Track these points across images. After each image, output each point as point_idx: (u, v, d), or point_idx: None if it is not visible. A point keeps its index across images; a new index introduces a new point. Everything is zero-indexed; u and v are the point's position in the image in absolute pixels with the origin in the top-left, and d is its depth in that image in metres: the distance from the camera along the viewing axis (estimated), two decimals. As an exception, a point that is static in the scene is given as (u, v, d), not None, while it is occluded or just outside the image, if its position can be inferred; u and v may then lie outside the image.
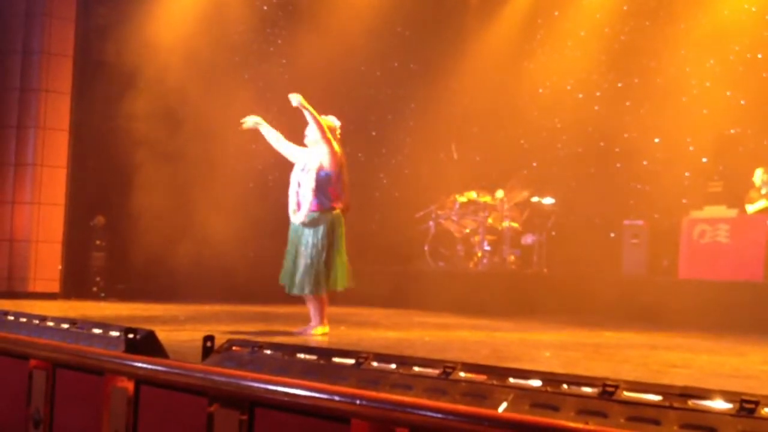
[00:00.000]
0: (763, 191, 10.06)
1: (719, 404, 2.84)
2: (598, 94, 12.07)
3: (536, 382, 3.25)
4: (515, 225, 11.80)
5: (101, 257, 11.48)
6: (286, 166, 7.15)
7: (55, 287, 11.00)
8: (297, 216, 6.87)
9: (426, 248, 12.07)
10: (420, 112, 12.99)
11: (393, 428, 3.25)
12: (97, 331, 5.08)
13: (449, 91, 12.63)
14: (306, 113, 6.76)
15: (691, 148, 11.16)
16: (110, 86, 11.14)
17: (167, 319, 7.95)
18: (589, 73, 11.96)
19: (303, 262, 6.76)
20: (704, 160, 11.11)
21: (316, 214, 6.79)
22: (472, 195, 12.13)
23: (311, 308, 6.92)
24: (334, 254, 6.78)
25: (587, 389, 3.12)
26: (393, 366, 3.71)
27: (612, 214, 11.46)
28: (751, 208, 10.03)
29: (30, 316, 5.87)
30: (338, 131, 7.02)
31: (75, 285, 11.21)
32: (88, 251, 11.45)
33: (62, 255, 11.14)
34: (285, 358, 4.14)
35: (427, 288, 11.11)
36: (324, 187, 6.82)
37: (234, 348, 4.43)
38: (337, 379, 3.71)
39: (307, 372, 3.88)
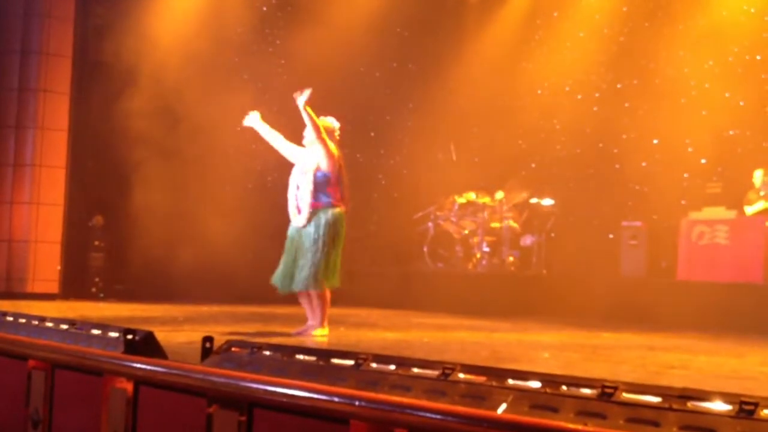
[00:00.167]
0: (762, 193, 10.06)
1: (718, 406, 2.84)
2: (596, 95, 12.07)
3: (535, 384, 3.25)
4: (514, 226, 11.80)
5: (100, 258, 11.48)
6: (285, 167, 7.15)
7: (53, 288, 10.99)
8: (298, 219, 6.87)
9: (425, 249, 12.07)
10: (419, 112, 12.99)
11: (392, 429, 3.25)
12: (96, 331, 5.08)
13: (448, 92, 12.64)
14: (303, 114, 6.76)
15: (689, 150, 11.17)
16: (109, 86, 11.15)
17: (166, 319, 7.95)
18: (587, 74, 11.96)
19: (305, 258, 6.73)
20: (703, 161, 11.12)
21: (316, 211, 6.79)
22: (471, 196, 12.13)
23: (308, 308, 6.91)
24: (334, 250, 6.76)
25: (586, 391, 3.12)
26: (392, 367, 3.71)
27: (610, 215, 11.46)
28: (749, 210, 10.03)
29: (29, 317, 5.87)
30: (337, 132, 7.02)
31: (74, 285, 11.21)
32: (86, 252, 11.45)
33: (61, 255, 11.14)
34: (284, 359, 4.14)
35: (426, 289, 11.11)
36: (322, 187, 6.82)
37: (233, 349, 4.43)
38: (336, 380, 3.71)
39: (306, 373, 3.88)
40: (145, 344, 4.70)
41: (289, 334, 6.67)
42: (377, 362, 3.79)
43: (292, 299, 7.12)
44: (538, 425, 2.89)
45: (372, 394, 3.40)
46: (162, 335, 5.04)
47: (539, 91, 12.50)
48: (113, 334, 4.86)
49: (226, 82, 11.45)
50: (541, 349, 6.50)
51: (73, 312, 8.15)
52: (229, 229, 10.88)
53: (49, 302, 10.08)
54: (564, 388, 3.17)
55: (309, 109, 6.75)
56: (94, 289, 11.33)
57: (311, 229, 6.77)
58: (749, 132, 10.87)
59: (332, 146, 6.85)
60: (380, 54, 12.85)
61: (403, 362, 3.72)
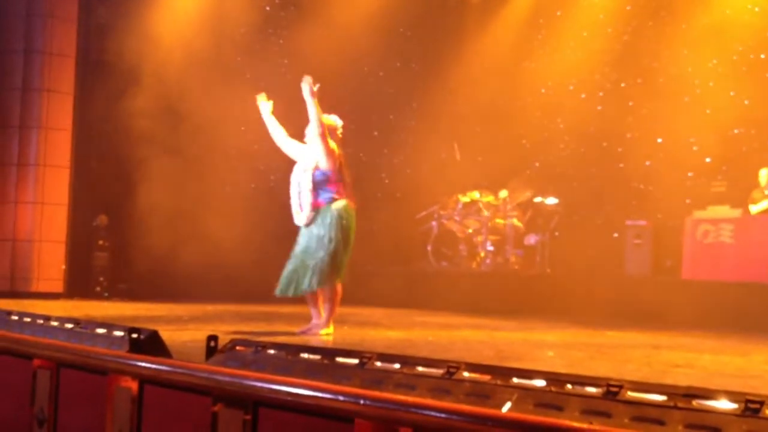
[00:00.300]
0: (767, 191, 10.04)
1: (724, 404, 2.84)
2: (600, 94, 12.06)
3: (540, 382, 3.25)
4: (518, 225, 11.79)
5: (104, 257, 11.50)
6: (289, 167, 7.15)
7: (58, 287, 11.01)
8: (299, 217, 6.86)
9: (429, 248, 12.07)
10: (422, 112, 12.99)
11: (396, 428, 3.25)
12: (100, 330, 5.09)
13: (451, 91, 12.63)
14: (309, 103, 6.70)
15: (694, 148, 11.15)
16: (112, 86, 11.16)
17: (171, 318, 7.95)
18: (591, 73, 11.95)
19: (315, 258, 6.69)
20: (707, 160, 11.10)
21: (318, 210, 6.78)
22: (475, 195, 12.12)
23: (314, 308, 6.90)
24: (344, 245, 6.73)
25: (591, 389, 3.12)
26: (396, 366, 3.71)
27: (615, 214, 11.46)
28: (754, 209, 10.01)
29: (34, 316, 5.88)
30: (339, 131, 7.00)
31: (78, 285, 11.22)
32: (91, 251, 11.46)
33: (65, 255, 11.16)
34: (288, 358, 4.14)
35: (430, 288, 11.11)
36: (322, 185, 6.78)
37: (237, 348, 4.43)
38: (341, 378, 3.71)
39: (310, 372, 3.88)
40: (149, 343, 4.71)
41: (293, 333, 6.67)
42: (382, 361, 3.79)
43: (296, 298, 7.11)
44: (542, 424, 2.89)
45: (376, 393, 3.41)
46: (167, 334, 5.05)
47: (543, 90, 12.49)
48: (118, 333, 4.86)
49: (229, 81, 11.45)
50: (546, 347, 6.49)
51: (77, 311, 8.16)
52: (234, 228, 10.88)
53: (54, 301, 10.09)
54: (569, 386, 3.17)
55: (315, 101, 6.71)
56: (98, 289, 11.35)
57: (318, 229, 6.75)
58: (754, 131, 10.86)
59: (332, 144, 6.83)
60: (383, 53, 12.85)
61: (408, 361, 3.72)
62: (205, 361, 4.42)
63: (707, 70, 11.02)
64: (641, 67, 11.67)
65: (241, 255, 11.05)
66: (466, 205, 12.10)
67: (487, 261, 11.71)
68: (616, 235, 11.40)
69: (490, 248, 11.74)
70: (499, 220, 11.84)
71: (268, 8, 12.69)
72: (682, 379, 4.47)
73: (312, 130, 6.78)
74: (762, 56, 10.84)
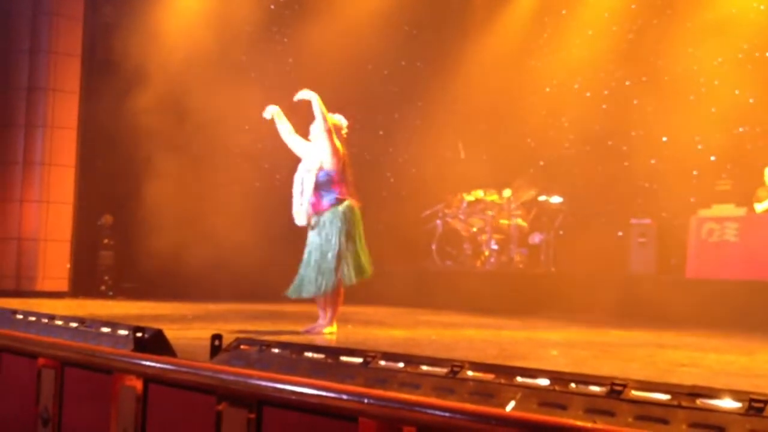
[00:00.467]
0: (772, 190, 10.03)
1: (728, 403, 2.84)
2: (605, 92, 12.04)
3: (544, 381, 3.25)
4: (522, 224, 11.79)
5: (109, 256, 11.52)
6: (293, 166, 7.15)
7: (63, 286, 11.03)
8: (299, 217, 6.85)
9: (433, 247, 12.06)
10: (427, 110, 12.99)
11: (401, 427, 3.25)
12: (105, 329, 5.10)
13: (456, 90, 12.62)
14: (314, 104, 6.71)
15: (699, 147, 11.13)
16: (118, 85, 11.18)
17: (175, 317, 7.97)
18: (596, 71, 11.94)
19: (326, 262, 6.70)
20: (712, 158, 11.08)
21: (321, 215, 6.77)
22: (479, 194, 12.12)
23: (322, 308, 6.90)
24: (353, 246, 6.73)
25: (595, 388, 3.11)
26: (401, 365, 3.72)
27: (619, 212, 11.44)
28: (759, 207, 9.99)
29: (39, 315, 5.90)
30: (345, 130, 7.00)
31: (83, 284, 11.25)
32: (96, 250, 11.49)
33: (70, 254, 11.18)
34: (293, 357, 4.15)
35: (435, 287, 11.11)
36: (326, 186, 6.78)
37: (242, 347, 4.44)
38: (345, 377, 3.72)
39: (314, 371, 3.88)
40: (154, 342, 4.72)
41: (297, 332, 6.68)
42: (386, 360, 3.79)
43: (299, 297, 7.11)
44: (546, 423, 2.89)
45: (381, 392, 3.41)
46: (171, 333, 5.06)
47: (547, 89, 12.48)
48: (123, 332, 4.87)
49: (234, 80, 11.47)
50: (550, 346, 6.49)
51: (82, 310, 8.18)
52: (238, 228, 10.89)
53: (59, 300, 10.11)
54: (573, 385, 3.17)
55: (320, 101, 6.72)
56: (103, 287, 11.37)
57: (325, 232, 6.75)
58: (759, 129, 10.84)
59: (338, 142, 6.84)
60: (388, 52, 12.85)
61: (412, 360, 3.73)
62: (210, 360, 4.43)
63: (712, 69, 11.00)
64: (646, 66, 11.65)
65: (245, 254, 11.06)
66: (470, 203, 12.10)
67: (492, 260, 11.71)
68: (620, 233, 11.38)
69: (495, 247, 11.74)
70: (504, 220, 11.83)
71: (272, 7, 12.71)
72: (687, 378, 4.47)
73: (318, 127, 6.78)
74: (767, 54, 10.81)
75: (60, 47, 11.10)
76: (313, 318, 7.02)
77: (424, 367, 3.64)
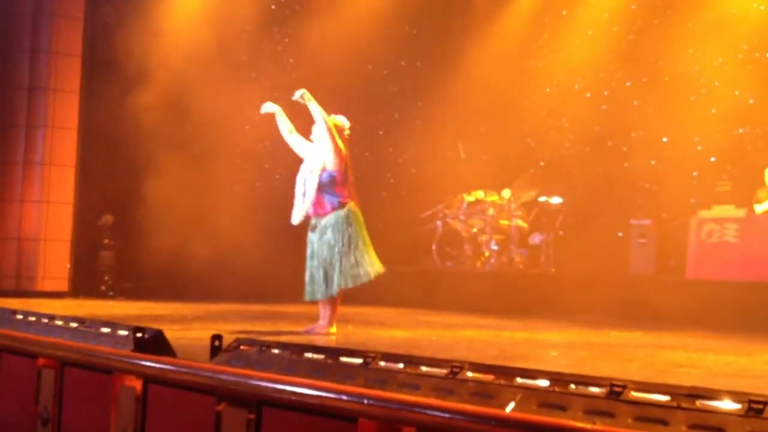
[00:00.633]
0: (772, 191, 10.02)
1: (727, 404, 2.84)
2: (605, 93, 12.04)
3: (544, 382, 3.25)
4: (522, 224, 11.79)
5: (110, 256, 11.52)
6: (294, 166, 7.15)
7: (63, 286, 11.03)
8: (295, 216, 6.85)
9: (433, 248, 12.06)
10: (427, 110, 12.99)
11: (400, 428, 3.25)
12: (105, 330, 5.11)
13: (456, 90, 12.62)
14: (310, 106, 6.72)
15: (699, 148, 11.13)
16: (118, 85, 11.18)
17: (175, 318, 7.97)
18: (596, 72, 11.93)
19: (332, 267, 6.72)
20: (712, 159, 11.08)
21: (323, 218, 6.78)
22: (480, 194, 12.11)
23: (321, 308, 6.91)
24: (356, 250, 6.74)
25: (595, 389, 3.12)
26: (400, 365, 3.72)
27: (619, 213, 11.43)
28: (759, 208, 9.99)
29: (39, 315, 5.90)
30: (347, 131, 7.00)
31: (83, 284, 11.24)
32: (96, 250, 11.48)
33: (71, 254, 11.18)
34: (293, 358, 4.15)
35: (434, 287, 11.11)
36: (329, 188, 6.78)
37: (242, 347, 4.44)
38: (345, 378, 3.72)
39: (314, 371, 3.88)
40: (154, 342, 4.73)
41: (297, 333, 6.68)
42: (386, 361, 3.79)
43: (300, 297, 7.12)
44: (546, 424, 2.89)
45: (380, 393, 3.41)
46: (171, 333, 5.06)
47: (548, 90, 12.47)
48: (123, 333, 4.88)
49: (235, 80, 11.47)
50: (550, 347, 6.49)
51: (82, 310, 8.18)
52: (239, 228, 10.90)
53: (59, 300, 10.11)
54: (572, 386, 3.17)
55: (315, 101, 6.72)
56: (103, 288, 11.37)
57: (327, 236, 6.75)
58: (759, 130, 10.84)
59: (340, 143, 6.84)
60: (388, 52, 12.85)
61: (412, 361, 3.73)
62: (210, 360, 4.44)
63: (712, 69, 11.00)
64: (646, 66, 11.65)
65: (245, 254, 11.06)
66: (470, 204, 12.10)
67: (492, 260, 11.71)
68: (620, 234, 11.38)
69: (495, 248, 11.74)
70: (504, 221, 11.83)
71: (273, 7, 12.71)
72: (686, 379, 4.47)
73: (320, 128, 6.78)
74: (767, 55, 10.82)
75: (60, 47, 11.10)
76: (313, 318, 7.02)
77: (424, 368, 3.64)
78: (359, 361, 3.87)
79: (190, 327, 7.03)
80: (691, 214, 10.22)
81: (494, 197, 12.03)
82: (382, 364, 3.78)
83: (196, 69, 11.21)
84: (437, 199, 12.42)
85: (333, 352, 4.08)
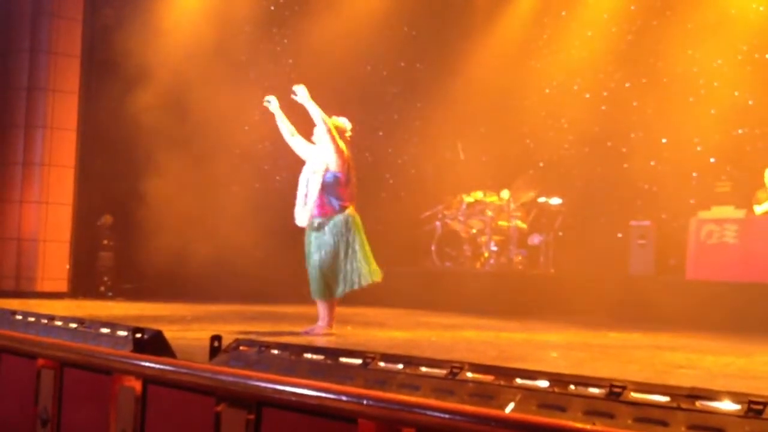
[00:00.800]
0: (772, 192, 10.03)
1: (727, 405, 2.84)
2: (605, 94, 12.04)
3: (543, 383, 3.25)
4: (522, 225, 11.79)
5: (109, 257, 11.52)
6: (294, 167, 7.15)
7: (62, 287, 11.03)
8: (300, 217, 6.85)
9: (433, 248, 12.06)
10: (426, 111, 12.98)
11: (400, 428, 3.25)
12: (104, 330, 5.11)
13: (455, 91, 12.62)
14: (310, 108, 6.73)
15: (698, 148, 11.13)
16: (117, 85, 11.18)
17: (175, 318, 7.97)
18: (595, 73, 11.94)
19: (315, 267, 6.75)
20: (712, 160, 11.08)
21: (325, 219, 6.78)
22: (479, 195, 12.11)
23: (320, 309, 6.91)
24: (354, 254, 6.75)
25: (594, 390, 3.12)
26: (400, 366, 3.72)
27: (619, 214, 11.44)
28: (759, 209, 9.99)
29: (38, 316, 5.90)
30: (349, 133, 6.99)
31: (83, 284, 11.24)
32: (95, 251, 11.49)
33: (70, 254, 11.18)
34: (292, 358, 4.15)
35: (434, 288, 11.11)
36: (332, 189, 6.78)
37: (241, 348, 4.44)
38: (345, 379, 3.72)
39: (314, 372, 3.89)
40: (153, 343, 4.73)
41: (297, 333, 6.68)
42: (385, 361, 3.79)
43: (300, 298, 7.13)
44: (545, 425, 2.89)
45: (380, 393, 3.41)
46: (171, 334, 5.06)
47: (547, 90, 12.48)
48: (122, 333, 4.88)
49: (235, 81, 11.48)
50: (549, 348, 6.49)
51: (81, 311, 8.18)
52: (238, 229, 10.90)
53: (58, 301, 10.11)
54: (572, 387, 3.17)
55: (314, 103, 6.72)
56: (102, 288, 11.37)
57: (327, 238, 6.76)
58: (758, 131, 10.84)
59: (342, 144, 6.84)
60: (388, 53, 12.85)
61: (411, 361, 3.73)
62: (209, 361, 4.44)
63: (712, 70, 11.00)
64: (646, 67, 11.65)
65: (245, 255, 11.07)
66: (470, 205, 12.10)
67: (491, 261, 11.71)
68: (620, 235, 11.38)
69: (494, 248, 11.74)
70: (503, 222, 11.83)
71: (272, 8, 12.71)
72: (685, 380, 4.47)
73: (320, 130, 6.79)
74: (767, 56, 10.82)
75: (59, 48, 11.10)
76: (313, 319, 7.02)
77: (424, 369, 3.64)
78: (359, 361, 3.87)
79: (189, 327, 7.03)
80: (691, 215, 10.22)
81: (493, 198, 12.03)
82: (382, 364, 3.79)
83: (196, 69, 11.21)
84: (436, 200, 12.42)
85: (332, 353, 4.08)
